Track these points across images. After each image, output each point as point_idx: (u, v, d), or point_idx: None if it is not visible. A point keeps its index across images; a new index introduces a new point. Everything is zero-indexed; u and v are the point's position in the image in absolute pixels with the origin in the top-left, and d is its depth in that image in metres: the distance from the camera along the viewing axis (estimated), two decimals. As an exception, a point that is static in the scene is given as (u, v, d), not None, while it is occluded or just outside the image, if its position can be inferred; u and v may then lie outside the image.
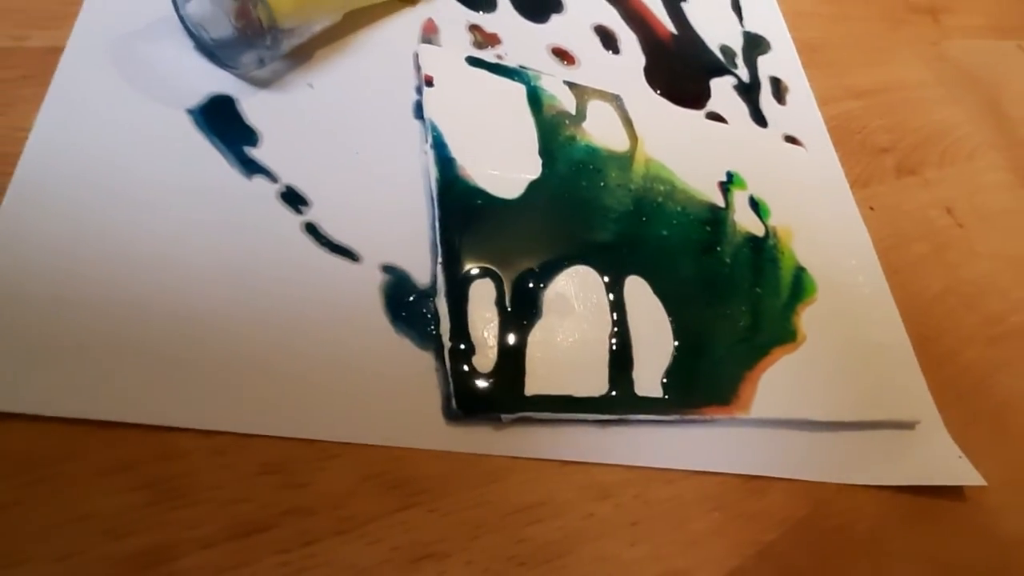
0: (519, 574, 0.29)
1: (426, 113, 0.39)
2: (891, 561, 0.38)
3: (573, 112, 0.44)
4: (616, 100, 0.46)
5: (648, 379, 0.36)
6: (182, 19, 0.34)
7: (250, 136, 0.34)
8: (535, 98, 0.43)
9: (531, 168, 0.40)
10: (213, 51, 0.35)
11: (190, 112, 0.33)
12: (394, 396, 0.31)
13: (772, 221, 0.46)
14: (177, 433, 0.27)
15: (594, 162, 0.42)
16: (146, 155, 0.32)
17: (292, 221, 0.33)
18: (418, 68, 0.40)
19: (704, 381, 0.37)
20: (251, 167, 0.33)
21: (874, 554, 0.38)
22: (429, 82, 0.40)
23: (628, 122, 0.45)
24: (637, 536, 0.33)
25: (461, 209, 0.36)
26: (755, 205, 0.47)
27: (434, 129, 0.38)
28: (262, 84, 0.36)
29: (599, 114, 0.44)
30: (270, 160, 0.34)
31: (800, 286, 0.45)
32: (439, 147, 0.38)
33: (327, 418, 0.29)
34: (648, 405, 0.35)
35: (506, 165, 0.39)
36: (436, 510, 0.29)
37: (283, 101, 0.36)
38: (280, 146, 0.34)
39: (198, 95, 0.34)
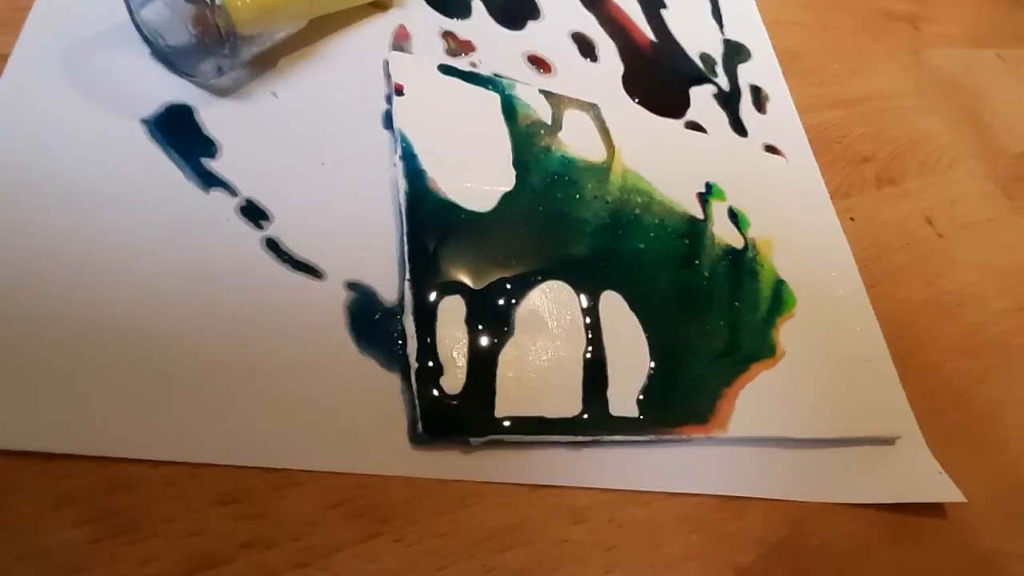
0: (488, 605, 0.28)
1: (396, 123, 0.37)
2: (871, 581, 0.38)
3: (549, 122, 0.43)
4: (593, 109, 0.45)
5: (623, 398, 0.35)
6: (137, 25, 0.33)
7: (208, 147, 0.33)
8: (509, 108, 0.42)
9: (504, 180, 0.39)
10: (170, 59, 0.33)
11: (144, 122, 0.32)
12: (358, 420, 0.29)
13: (752, 233, 0.46)
14: (126, 464, 0.25)
15: (570, 173, 0.41)
16: (97, 168, 0.30)
17: (252, 237, 0.31)
18: (388, 76, 0.39)
19: (681, 399, 0.37)
20: (209, 180, 0.32)
21: (854, 573, 0.37)
22: (399, 91, 0.39)
23: (605, 132, 0.44)
24: (612, 561, 0.32)
25: (431, 223, 0.35)
26: (734, 217, 0.46)
27: (403, 140, 0.37)
28: (222, 93, 0.34)
29: (576, 124, 0.43)
30: (229, 172, 0.32)
31: (780, 299, 0.44)
32: (408, 159, 0.36)
33: (288, 444, 0.28)
34: (623, 425, 0.34)
35: (479, 177, 0.38)
36: (402, 539, 0.28)
37: (244, 111, 0.34)
38: (240, 157, 0.33)
39: (154, 104, 0.33)
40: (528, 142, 0.41)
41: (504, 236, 0.37)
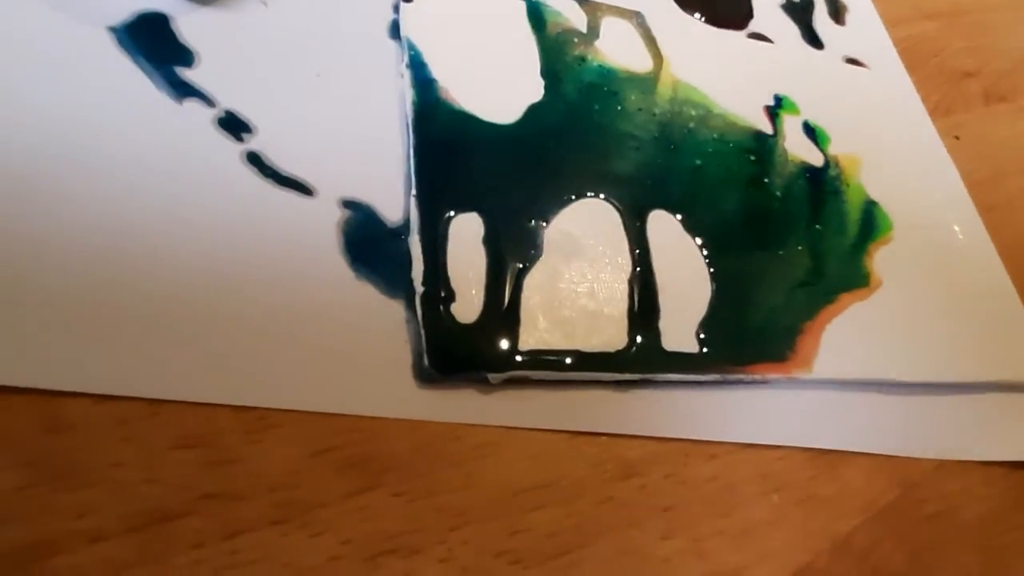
0: (512, 574, 0.23)
1: (403, 32, 0.33)
2: (1007, 556, 0.30)
3: (584, 30, 0.37)
4: (637, 17, 0.39)
5: (679, 330, 0.29)
6: (105, -73, 0.29)
7: (184, 56, 0.29)
8: (537, 15, 0.36)
9: (531, 90, 0.33)
10: (144, -37, 0.30)
11: (113, 30, 0.28)
12: (352, 353, 0.25)
13: (833, 150, 0.39)
14: (69, 399, 0.21)
15: (609, 84, 0.35)
16: (58, 82, 0.26)
17: (230, 150, 0.27)
18: (396, -18, 0.35)
19: (752, 333, 0.30)
20: (182, 90, 0.28)
21: (984, 547, 0.30)
22: (407, -2, 0.34)
23: (651, 41, 0.38)
24: (671, 525, 0.26)
25: (443, 135, 0.30)
26: (811, 132, 0.39)
27: (412, 48, 0.32)
28: (204, 1, 0.30)
29: (616, 32, 0.38)
30: (207, 83, 0.28)
31: (872, 223, 0.37)
32: (417, 67, 0.31)
33: (264, 379, 0.23)
34: (680, 362, 0.28)
35: (500, 86, 0.33)
36: (403, 494, 0.23)
37: (228, 20, 0.30)
38: (221, 68, 0.29)
39: (125, 12, 0.29)
40: (559, 51, 0.35)
41: (531, 150, 0.31)
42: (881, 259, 0.35)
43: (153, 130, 0.27)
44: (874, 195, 0.38)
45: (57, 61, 0.27)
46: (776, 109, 0.39)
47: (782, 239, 0.34)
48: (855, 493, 0.29)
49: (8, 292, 0.22)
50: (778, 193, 0.35)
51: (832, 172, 0.38)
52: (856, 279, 0.34)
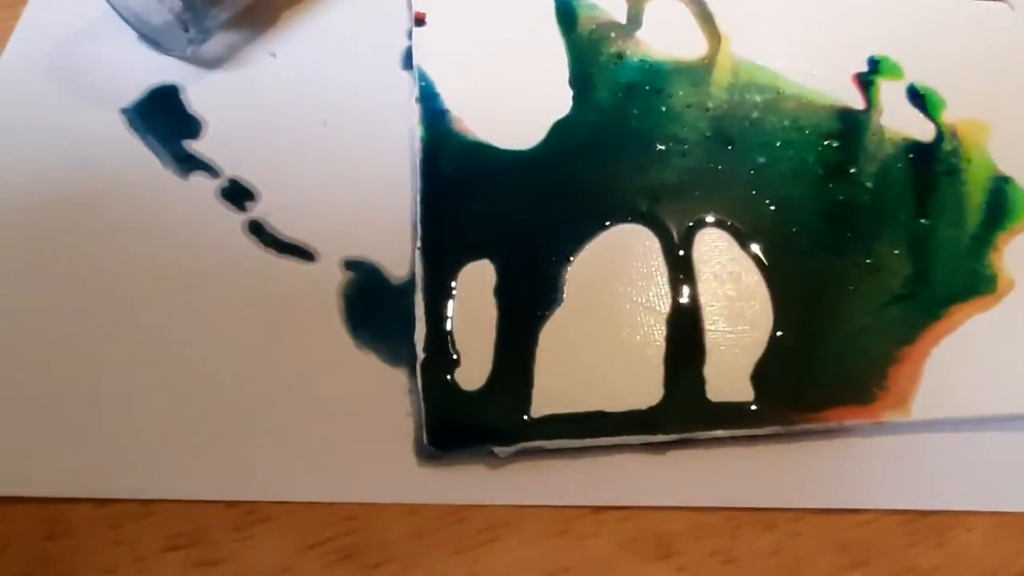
0: None
1: (415, 60, 0.30)
2: None
3: (623, 20, 0.33)
4: (690, -9, 0.34)
5: (729, 376, 0.25)
6: (112, 6, 0.29)
7: (191, 127, 0.28)
8: (567, 12, 0.33)
9: (556, 104, 0.30)
10: (155, 39, 0.30)
11: (124, 112, 0.29)
12: (351, 433, 0.23)
13: (949, 116, 0.31)
14: (69, 505, 0.22)
15: (652, 81, 0.31)
16: (73, 165, 0.27)
17: (233, 221, 0.27)
18: (410, 5, 0.32)
19: (826, 369, 0.25)
20: (188, 164, 0.28)
21: None
22: (420, 20, 0.31)
23: (707, 18, 0.33)
24: (723, 612, 0.22)
25: (452, 172, 0.28)
26: (918, 98, 0.32)
27: (423, 78, 0.30)
28: (213, 64, 0.30)
29: (663, 16, 0.33)
30: (213, 151, 0.28)
31: (1002, 206, 0.29)
32: (427, 100, 0.29)
33: (255, 471, 0.22)
34: (729, 415, 0.24)
35: (520, 106, 0.30)
36: (402, 587, 0.21)
37: (236, 79, 0.30)
38: (226, 133, 0.28)
39: (138, 90, 0.29)
40: (592, 51, 0.32)
41: (554, 176, 0.28)
42: (1013, 253, 0.28)
43: (159, 208, 0.27)
44: (1006, 169, 0.30)
45: (71, 147, 0.28)
46: (870, 75, 0.32)
47: (872, 242, 0.28)
48: (972, 563, 0.23)
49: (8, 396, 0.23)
50: (869, 184, 0.29)
51: (947, 146, 0.31)
52: (977, 283, 0.27)
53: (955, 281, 0.27)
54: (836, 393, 0.25)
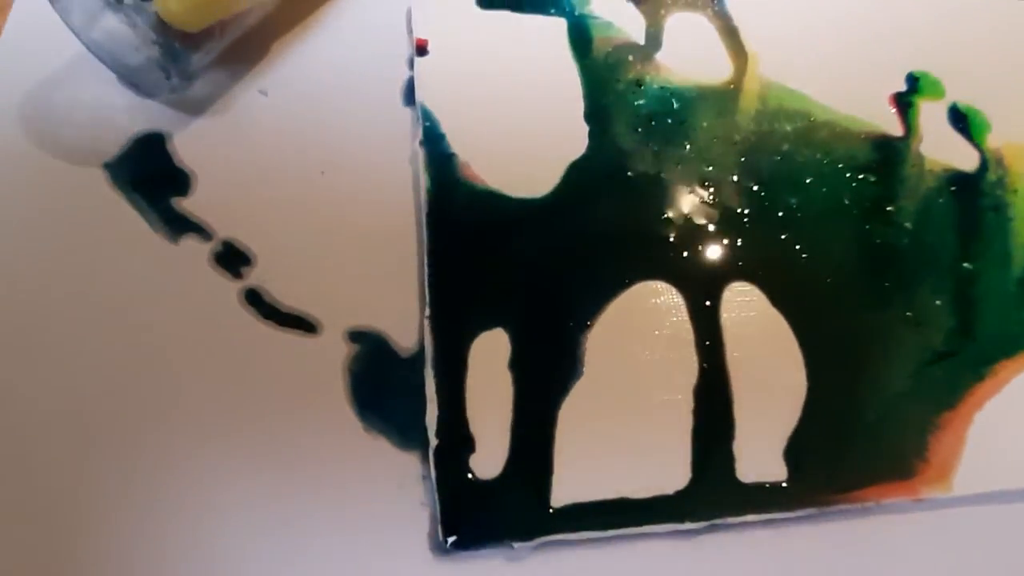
0: None
1: (417, 95, 0.28)
2: None
3: (641, 40, 0.30)
4: (713, 4, 0.31)
5: (760, 453, 0.23)
6: (88, 48, 0.27)
7: (179, 182, 0.27)
8: (581, 34, 0.30)
9: (571, 143, 0.28)
10: (134, 81, 0.28)
11: (107, 166, 0.27)
12: (360, 525, 0.22)
13: (995, 140, 0.29)
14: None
15: (674, 111, 0.29)
16: (50, 227, 0.26)
17: (228, 290, 0.25)
18: (411, 32, 0.30)
19: (864, 442, 0.24)
20: (178, 226, 0.26)
21: None
22: (422, 49, 0.29)
23: (732, 34, 0.31)
24: None
25: (462, 227, 0.26)
26: (961, 120, 0.30)
27: (427, 116, 0.28)
28: (200, 107, 0.28)
29: (683, 34, 0.30)
30: (204, 210, 0.26)
31: (1052, 244, 0.27)
32: (433, 141, 0.27)
33: (259, 570, 0.21)
34: (761, 497, 0.23)
35: (532, 147, 0.28)
36: None
37: (225, 124, 0.28)
38: (218, 188, 0.27)
39: (120, 140, 0.27)
40: (608, 79, 0.29)
41: (569, 227, 0.26)
42: (1065, 299, 0.26)
43: (148, 277, 0.25)
44: (1058, 200, 0.28)
45: (48, 207, 0.26)
46: (909, 96, 0.30)
47: (912, 292, 0.26)
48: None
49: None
50: (908, 224, 0.27)
51: (991, 176, 0.29)
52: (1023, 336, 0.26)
53: (1001, 334, 0.26)
54: (874, 467, 0.23)
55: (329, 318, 0.25)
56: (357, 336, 0.24)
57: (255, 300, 0.25)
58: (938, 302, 0.26)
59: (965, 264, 0.27)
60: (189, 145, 0.27)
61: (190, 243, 0.26)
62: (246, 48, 0.29)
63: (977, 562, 0.22)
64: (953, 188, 0.28)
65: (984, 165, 0.29)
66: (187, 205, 0.26)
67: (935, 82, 0.30)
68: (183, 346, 0.24)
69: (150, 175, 0.27)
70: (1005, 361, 0.25)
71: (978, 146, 0.29)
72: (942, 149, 0.29)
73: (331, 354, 0.24)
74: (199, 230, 0.26)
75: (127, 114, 0.28)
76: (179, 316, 0.24)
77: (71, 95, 0.28)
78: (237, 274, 0.25)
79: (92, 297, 0.25)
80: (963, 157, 0.29)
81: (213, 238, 0.26)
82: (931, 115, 0.30)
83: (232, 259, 0.25)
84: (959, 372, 0.25)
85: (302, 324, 0.25)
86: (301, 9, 0.30)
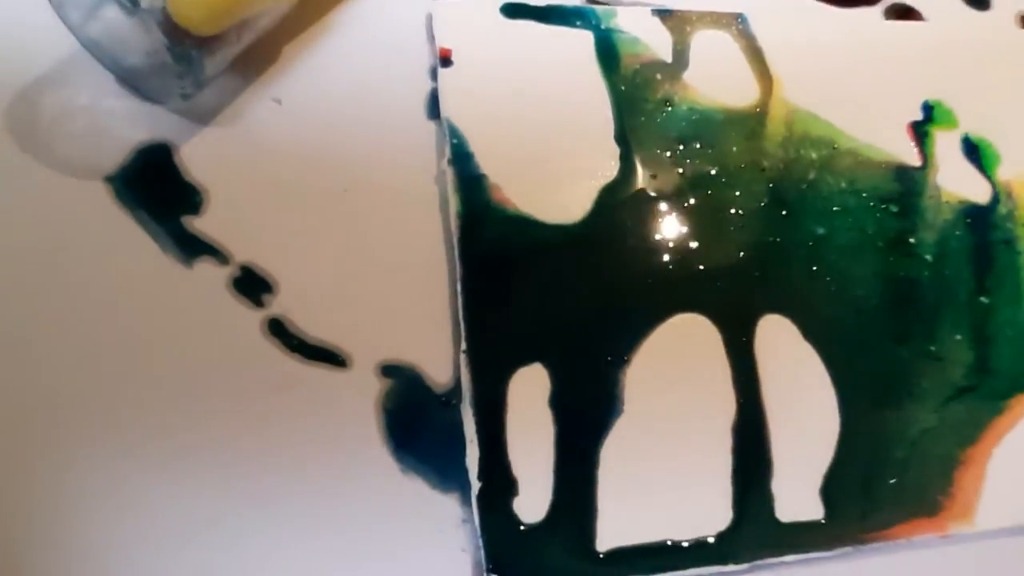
0: None
1: (443, 110, 0.27)
2: None
3: (668, 59, 0.29)
4: (738, 23, 0.31)
5: (798, 491, 0.23)
6: (86, 47, 0.25)
7: (190, 200, 0.25)
8: (608, 49, 0.29)
9: (603, 167, 0.27)
10: (134, 84, 0.25)
11: (109, 180, 0.25)
12: (399, 570, 0.21)
13: (1004, 173, 0.30)
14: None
15: (703, 135, 0.28)
16: (49, 251, 0.23)
17: (249, 319, 0.23)
18: (432, 39, 0.28)
19: (894, 479, 0.24)
20: (191, 248, 0.24)
21: None
22: (446, 59, 0.28)
23: (757, 56, 0.30)
24: None
25: (496, 257, 0.25)
26: (973, 151, 0.30)
27: (454, 134, 0.26)
28: (208, 115, 0.26)
29: (709, 53, 0.30)
30: (219, 231, 0.24)
31: (1060, 277, 0.28)
32: (461, 161, 0.26)
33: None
34: (801, 536, 0.23)
35: (563, 169, 0.27)
36: None
37: (238, 135, 0.26)
38: (233, 206, 0.25)
39: (123, 150, 0.25)
40: (637, 98, 0.28)
41: (603, 255, 0.26)
42: (1072, 333, 0.27)
43: (160, 304, 0.23)
44: (1064, 234, 0.29)
45: (44, 226, 0.24)
46: (925, 125, 0.30)
47: (935, 326, 0.27)
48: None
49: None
50: (928, 256, 0.28)
51: (1003, 209, 0.29)
52: (1037, 370, 0.27)
53: (1016, 368, 0.26)
54: (903, 504, 0.24)
55: (358, 351, 0.23)
56: (390, 370, 0.23)
57: (279, 331, 0.23)
58: (958, 336, 0.27)
59: (981, 298, 0.27)
60: (198, 157, 0.25)
61: (205, 267, 0.24)
62: (256, 52, 0.27)
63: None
64: (968, 220, 0.29)
65: (996, 198, 0.29)
66: (200, 225, 0.24)
67: (948, 112, 0.31)
68: (203, 380, 0.23)
69: (158, 191, 0.24)
70: (1020, 395, 0.26)
71: (990, 178, 0.30)
72: (956, 180, 0.29)
73: (363, 389, 0.23)
74: (215, 253, 0.24)
75: (127, 121, 0.25)
76: (197, 347, 0.23)
77: (64, 99, 0.25)
78: (258, 302, 0.24)
79: (99, 324, 0.23)
80: (977, 189, 0.29)
81: (230, 262, 0.24)
82: (946, 145, 0.30)
83: (252, 285, 0.24)
84: (979, 407, 0.26)
85: (331, 357, 0.23)
86: (313, 10, 0.28)
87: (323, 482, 0.22)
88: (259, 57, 0.27)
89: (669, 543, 0.22)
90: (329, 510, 0.22)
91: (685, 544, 0.22)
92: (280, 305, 0.24)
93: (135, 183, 0.25)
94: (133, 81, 0.25)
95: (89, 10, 0.24)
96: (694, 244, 0.26)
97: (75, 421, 0.22)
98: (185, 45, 0.23)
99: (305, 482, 0.22)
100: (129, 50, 0.25)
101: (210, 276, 0.24)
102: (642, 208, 0.27)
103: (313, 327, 0.24)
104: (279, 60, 0.27)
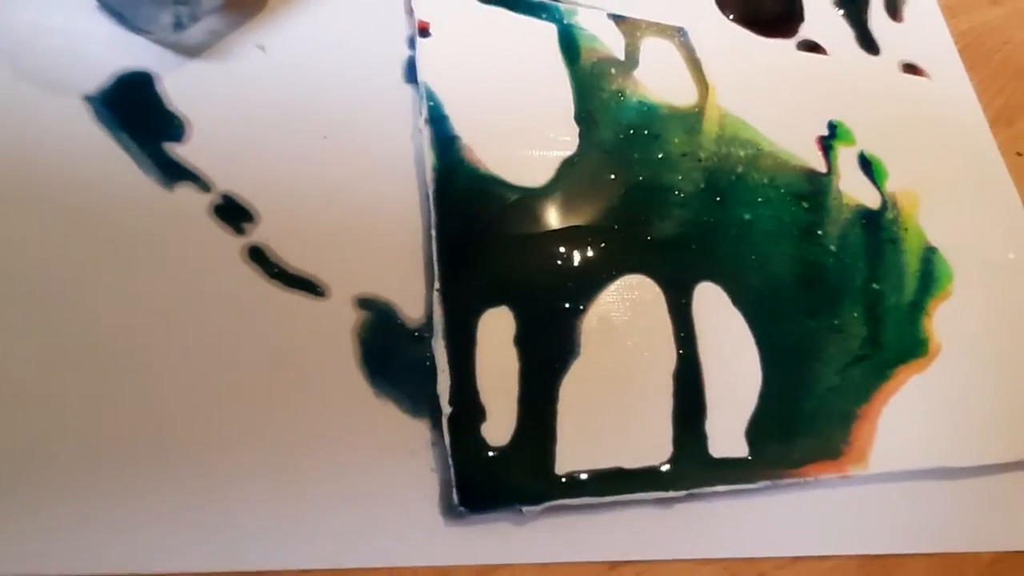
0: None
1: (420, 75, 0.29)
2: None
3: (621, 57, 0.33)
4: (679, 35, 0.34)
5: (727, 432, 0.26)
6: (73, -31, 0.25)
7: (173, 127, 0.25)
8: (570, 41, 0.32)
9: (564, 141, 0.30)
10: (119, 10, 0.26)
11: (89, 99, 0.25)
12: (372, 490, 0.22)
13: (890, 186, 0.35)
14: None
15: (650, 125, 0.31)
16: (26, 165, 0.23)
17: (230, 245, 0.24)
18: (410, 11, 0.30)
19: (805, 426, 0.28)
20: (173, 172, 0.24)
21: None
22: (424, 31, 0.30)
23: (695, 64, 0.34)
24: (716, 652, 0.24)
25: (467, 208, 0.27)
26: (867, 165, 0.35)
27: (431, 97, 0.28)
28: (192, 52, 0.26)
29: (657, 57, 0.33)
30: (201, 159, 0.25)
31: (931, 274, 0.33)
32: (437, 122, 0.28)
33: (267, 536, 0.21)
34: (728, 471, 0.26)
35: (530, 140, 0.29)
36: (432, 652, 0.21)
37: (221, 74, 0.27)
38: (216, 138, 0.25)
39: (102, 74, 0.25)
40: (595, 86, 0.31)
41: (564, 218, 0.28)
42: (940, 318, 0.32)
43: (140, 225, 0.23)
44: (933, 239, 0.34)
45: (27, 140, 0.23)
46: (830, 140, 0.35)
47: (837, 304, 0.31)
48: (910, 600, 0.27)
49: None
50: (832, 247, 0.32)
51: (889, 215, 0.34)
52: (914, 347, 0.31)
53: (899, 344, 0.31)
54: (812, 449, 0.27)
55: (336, 283, 0.24)
56: (366, 303, 0.25)
57: (259, 258, 0.24)
58: (855, 314, 0.31)
59: (874, 284, 0.32)
60: (181, 88, 0.26)
61: (187, 192, 0.24)
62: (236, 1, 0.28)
63: (877, 529, 0.27)
64: (863, 221, 0.33)
65: (884, 205, 0.34)
66: (182, 152, 0.25)
67: (848, 131, 0.36)
68: (183, 300, 0.23)
69: (139, 116, 0.25)
70: (902, 366, 0.30)
71: (879, 189, 0.35)
72: (854, 188, 0.34)
73: (339, 319, 0.24)
74: (196, 179, 0.24)
75: (106, 46, 0.26)
76: (178, 267, 0.23)
77: (37, 17, 0.25)
78: (239, 229, 0.24)
79: (79, 240, 0.23)
80: (870, 197, 0.34)
81: (212, 190, 0.24)
82: (846, 159, 0.35)
83: (233, 213, 0.24)
84: (871, 373, 0.30)
85: (309, 286, 0.24)
86: (300, -32, 0.29)
87: (302, 404, 0.23)
88: (248, 5, 0.28)
89: (618, 469, 0.24)
90: (307, 431, 0.22)
91: (633, 471, 0.24)
92: (260, 235, 0.24)
93: (115, 106, 0.25)
94: (119, 7, 0.26)
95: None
96: (642, 216, 0.29)
97: (53, 334, 0.21)
98: (188, -25, 0.24)
99: (284, 404, 0.22)
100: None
101: (192, 201, 0.24)
102: (598, 181, 0.29)
103: (292, 258, 0.24)
104: (266, 9, 0.28)
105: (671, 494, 0.25)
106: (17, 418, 0.20)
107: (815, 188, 0.33)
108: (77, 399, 0.21)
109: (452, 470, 0.23)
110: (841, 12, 0.41)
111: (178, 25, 0.25)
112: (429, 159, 0.27)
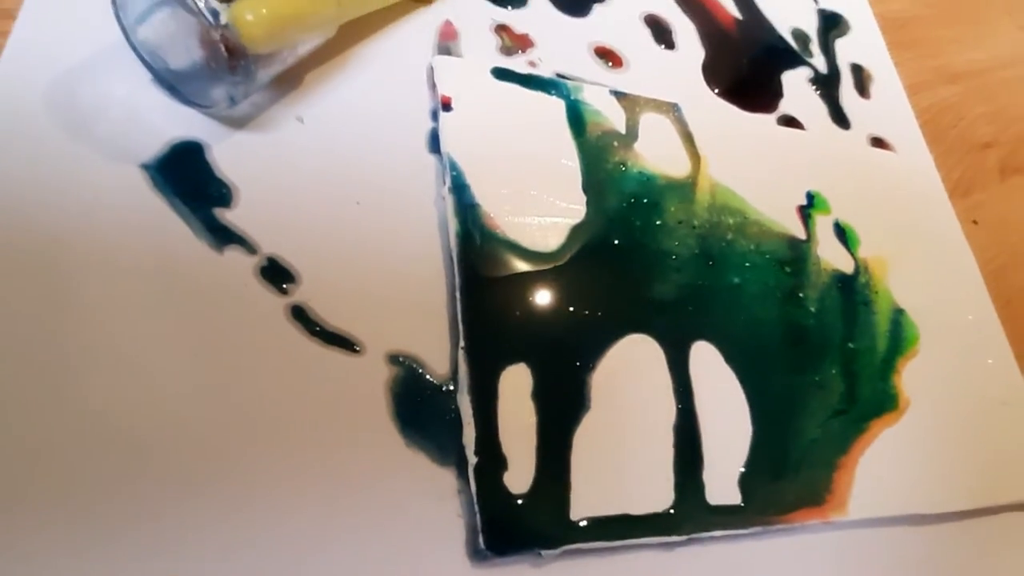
0: None
1: (443, 146, 0.31)
2: None
3: (623, 130, 0.36)
4: (674, 111, 0.38)
5: (722, 481, 0.29)
6: (133, 47, 0.27)
7: (222, 194, 0.27)
8: (577, 116, 0.35)
9: (573, 209, 0.32)
10: (174, 85, 0.28)
11: (145, 168, 0.27)
12: (404, 533, 0.24)
13: (862, 252, 0.38)
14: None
15: (649, 194, 0.34)
16: (87, 228, 0.25)
17: (274, 304, 0.26)
18: (433, 87, 0.33)
19: (792, 476, 0.30)
20: (222, 236, 0.26)
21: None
22: (447, 105, 0.32)
23: (688, 138, 0.37)
24: None
25: (487, 271, 0.29)
26: (842, 233, 0.39)
27: (453, 167, 0.31)
28: (238, 123, 0.29)
29: (654, 131, 0.37)
30: (247, 224, 0.27)
31: (900, 334, 0.37)
32: (459, 190, 0.30)
33: (310, 570, 0.23)
34: (724, 516, 0.28)
35: (542, 207, 0.32)
36: None
37: (265, 143, 0.29)
38: (260, 203, 0.27)
39: (157, 143, 0.27)
40: (600, 158, 0.34)
41: (574, 280, 0.31)
42: (909, 375, 0.36)
43: (193, 285, 0.25)
44: (901, 302, 0.38)
45: (88, 205, 0.25)
46: (808, 209, 0.38)
47: (818, 362, 0.34)
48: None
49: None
50: (813, 308, 0.35)
51: (862, 279, 0.38)
52: (886, 402, 0.34)
53: (872, 399, 0.34)
54: (798, 497, 0.30)
55: (370, 340, 0.27)
56: (396, 360, 0.27)
57: (301, 316, 0.26)
58: (834, 371, 0.34)
59: (850, 344, 0.35)
60: (229, 157, 0.28)
61: (235, 255, 0.26)
62: (284, 76, 0.30)
63: (866, 568, 0.30)
64: (839, 285, 0.37)
65: (857, 270, 0.38)
66: (230, 217, 0.27)
67: (824, 201, 0.39)
68: (230, 355, 0.25)
69: (191, 182, 0.27)
70: (876, 419, 0.33)
71: (853, 255, 0.38)
72: (831, 254, 0.38)
73: (374, 374, 0.26)
74: (243, 243, 0.27)
75: (161, 117, 0.28)
76: (226, 325, 0.25)
77: (99, 90, 0.27)
78: (282, 290, 0.26)
79: (138, 299, 0.24)
80: (845, 262, 0.38)
81: (258, 252, 0.27)
82: (823, 226, 0.38)
83: (277, 275, 0.26)
84: (848, 426, 0.33)
85: (347, 343, 0.26)
86: (335, 46, 0.32)
87: (339, 453, 0.25)
88: (286, 81, 0.30)
89: (626, 516, 0.27)
90: (344, 478, 0.24)
91: (638, 517, 0.27)
92: (302, 295, 0.27)
93: (170, 173, 0.27)
94: (174, 81, 0.28)
95: (144, 13, 0.27)
96: (644, 279, 0.32)
97: (107, 389, 0.23)
98: (248, 59, 0.26)
99: (323, 453, 0.24)
100: (176, 53, 0.27)
101: (240, 263, 0.26)
102: (603, 246, 0.32)
103: (331, 316, 0.27)
104: (302, 85, 0.31)
105: (673, 538, 0.27)
106: (67, 475, 0.22)
107: (796, 254, 0.36)
108: (127, 450, 0.22)
109: (478, 516, 0.25)
110: (816, 90, 0.45)
111: (232, 100, 0.27)
112: (453, 225, 0.29)
